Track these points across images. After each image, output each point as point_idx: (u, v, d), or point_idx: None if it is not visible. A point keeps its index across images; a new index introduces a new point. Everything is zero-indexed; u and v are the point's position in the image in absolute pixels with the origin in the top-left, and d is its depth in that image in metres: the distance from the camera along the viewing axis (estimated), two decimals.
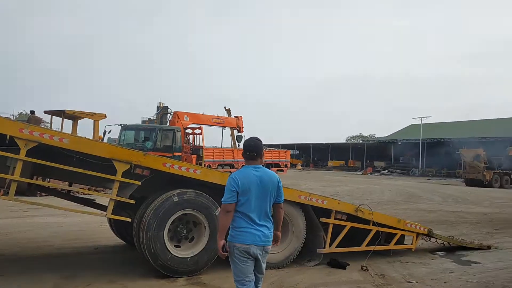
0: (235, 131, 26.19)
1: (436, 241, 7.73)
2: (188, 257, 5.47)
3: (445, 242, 7.87)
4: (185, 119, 22.71)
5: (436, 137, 56.85)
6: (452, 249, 7.79)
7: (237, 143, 25.91)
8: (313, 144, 76.87)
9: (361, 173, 54.08)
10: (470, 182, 33.01)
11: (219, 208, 5.52)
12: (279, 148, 41.05)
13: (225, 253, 3.58)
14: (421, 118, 57.99)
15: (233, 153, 24.24)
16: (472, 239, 8.85)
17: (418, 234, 7.31)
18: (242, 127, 26.27)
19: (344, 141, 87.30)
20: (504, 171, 34.32)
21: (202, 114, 24.05)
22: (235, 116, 26.18)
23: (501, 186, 32.30)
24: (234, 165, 23.62)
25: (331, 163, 69.10)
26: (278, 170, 26.76)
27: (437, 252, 7.58)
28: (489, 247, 8.09)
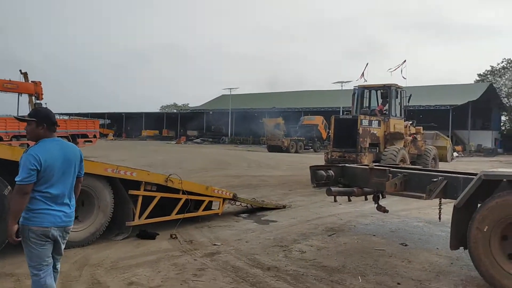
0: (33, 98, 23.33)
1: (241, 204, 8.33)
2: None
3: (248, 205, 8.55)
4: None
5: (244, 107, 61.07)
6: (254, 210, 8.53)
7: None
8: (125, 113, 74.19)
9: (175, 142, 54.78)
10: (272, 149, 36.68)
11: (9, 187, 4.85)
12: (87, 118, 38.28)
13: (18, 239, 3.17)
14: (230, 89, 61.41)
15: None
16: (271, 200, 9.85)
17: (224, 199, 7.75)
18: (42, 94, 23.53)
19: (158, 110, 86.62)
20: (299, 138, 39.14)
21: None
22: (32, 81, 23.25)
23: (296, 152, 36.75)
24: None
25: (145, 133, 67.97)
26: (86, 141, 25.05)
27: (241, 214, 8.19)
28: (284, 206, 9.13)
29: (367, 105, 15.23)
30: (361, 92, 15.14)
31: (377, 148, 13.96)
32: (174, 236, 6.30)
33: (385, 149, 13.47)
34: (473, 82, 61.39)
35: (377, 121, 13.89)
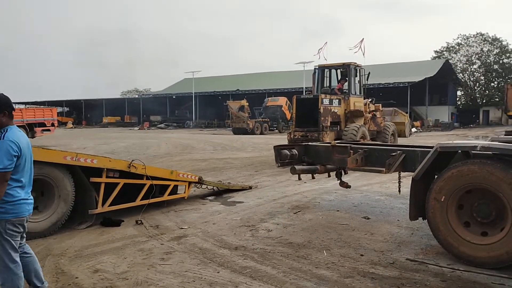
0: None
1: (207, 187, 8.31)
2: None
3: (214, 188, 8.55)
4: None
5: (207, 91, 60.50)
6: (221, 192, 8.54)
7: None
8: (84, 100, 72.02)
9: (138, 128, 53.77)
10: (237, 131, 36.64)
11: None
12: (44, 106, 36.95)
13: None
14: (193, 72, 60.55)
15: None
16: (237, 181, 9.89)
17: (190, 182, 7.71)
18: None
19: (119, 96, 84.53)
20: (264, 120, 39.27)
21: None
22: None
23: (261, 133, 36.88)
24: None
25: (106, 120, 66.34)
26: (43, 130, 24.18)
27: (208, 197, 8.19)
28: (250, 187, 9.18)
29: (328, 84, 15.43)
30: (322, 71, 15.29)
31: (338, 126, 14.21)
32: (139, 222, 6.24)
33: (346, 127, 13.72)
34: (430, 59, 63.08)
35: (337, 100, 14.09)
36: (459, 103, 63.12)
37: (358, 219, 6.37)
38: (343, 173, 7.25)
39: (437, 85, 52.02)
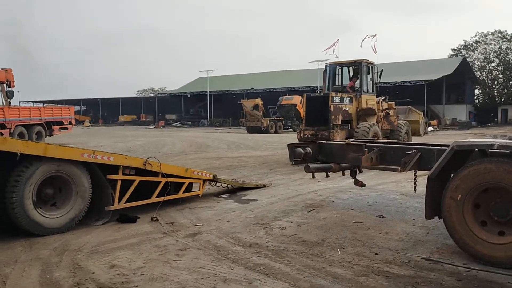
0: (5, 86, 22.67)
1: (221, 185, 8.34)
2: None
3: (228, 185, 8.58)
4: None
5: (222, 90, 60.66)
6: (235, 190, 8.57)
7: (8, 100, 22.59)
8: (101, 99, 72.87)
9: (154, 126, 54.25)
10: (251, 130, 36.71)
11: None
12: (62, 105, 37.50)
13: None
14: (208, 71, 60.78)
15: (3, 111, 21.03)
16: (251, 180, 9.91)
17: (204, 180, 7.75)
18: (13, 82, 22.85)
19: (135, 95, 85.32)
20: (278, 118, 39.25)
21: None
22: (3, 69, 22.55)
23: (275, 132, 36.89)
24: (6, 125, 20.60)
25: (122, 118, 67.12)
26: (61, 128, 24.57)
27: (222, 195, 8.23)
28: (264, 185, 9.19)
29: (340, 82, 15.18)
30: (333, 69, 15.06)
31: (349, 125, 13.99)
32: (155, 218, 6.31)
33: (358, 126, 13.51)
34: (447, 57, 62.25)
35: (349, 98, 13.89)
36: (476, 101, 62.14)
37: (373, 218, 6.34)
38: (357, 171, 7.21)
39: (454, 84, 51.34)
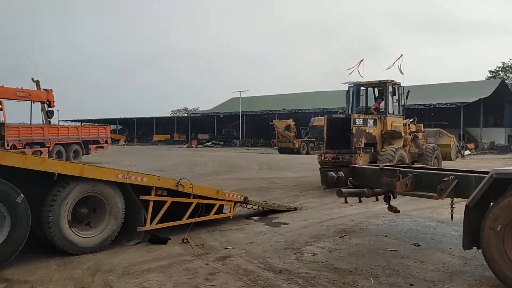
0: (45, 105, 23.62)
1: (252, 207, 8.32)
2: None
3: (259, 208, 8.55)
4: None
5: (254, 110, 61.09)
6: (266, 213, 8.52)
7: (48, 119, 23.49)
8: (136, 118, 74.69)
9: (186, 146, 54.98)
10: (283, 150, 36.64)
11: (21, 194, 4.92)
12: (99, 124, 38.67)
13: None
14: (240, 91, 61.46)
15: (43, 130, 21.87)
16: (282, 202, 9.83)
17: (235, 202, 7.75)
18: (53, 101, 23.78)
19: (169, 115, 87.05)
20: (310, 139, 39.06)
21: (1, 87, 20.97)
22: (44, 89, 23.54)
23: (307, 153, 36.66)
24: (45, 143, 21.38)
25: (156, 137, 68.39)
26: (97, 147, 25.28)
27: (253, 217, 8.19)
28: (295, 208, 9.10)
29: (364, 103, 14.64)
30: (357, 90, 14.52)
31: (373, 148, 13.38)
32: (185, 240, 6.33)
33: (382, 149, 12.89)
34: (484, 79, 60.63)
35: (372, 120, 13.29)
36: None
37: (408, 245, 6.14)
38: (391, 197, 7.04)
39: (492, 106, 49.73)
